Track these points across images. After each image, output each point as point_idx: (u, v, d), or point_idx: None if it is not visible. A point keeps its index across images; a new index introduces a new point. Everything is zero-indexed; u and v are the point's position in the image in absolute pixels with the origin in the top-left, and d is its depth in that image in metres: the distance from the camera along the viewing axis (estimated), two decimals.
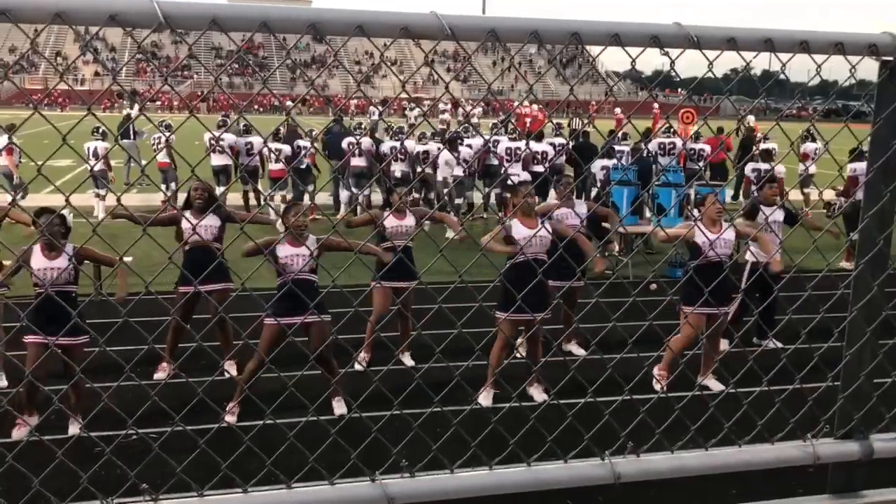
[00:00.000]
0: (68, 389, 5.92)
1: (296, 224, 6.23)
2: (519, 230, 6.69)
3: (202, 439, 2.10)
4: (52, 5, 1.67)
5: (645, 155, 14.23)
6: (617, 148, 15.47)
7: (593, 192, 14.45)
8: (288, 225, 6.24)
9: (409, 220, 7.56)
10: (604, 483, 2.12)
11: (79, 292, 6.13)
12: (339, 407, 6.54)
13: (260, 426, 2.33)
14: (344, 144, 16.27)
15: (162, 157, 16.12)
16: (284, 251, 6.29)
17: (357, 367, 7.42)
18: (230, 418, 6.07)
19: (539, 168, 15.67)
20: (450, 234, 15.05)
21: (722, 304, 6.82)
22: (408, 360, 7.73)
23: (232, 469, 2.11)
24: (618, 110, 29.38)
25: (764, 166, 14.64)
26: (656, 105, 37.62)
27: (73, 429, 6.03)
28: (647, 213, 13.99)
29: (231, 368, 7.28)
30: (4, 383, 7.05)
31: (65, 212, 6.09)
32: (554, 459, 2.15)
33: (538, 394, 6.88)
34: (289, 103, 43.12)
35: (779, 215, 8.21)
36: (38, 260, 5.83)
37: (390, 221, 7.43)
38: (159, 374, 7.06)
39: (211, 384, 7.19)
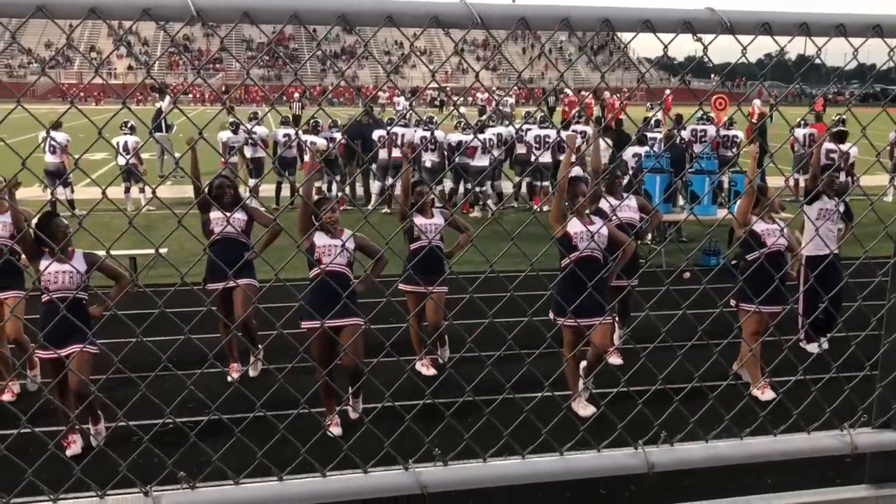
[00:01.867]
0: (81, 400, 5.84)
1: (327, 220, 6.19)
2: (574, 226, 6.33)
3: (238, 428, 2.13)
4: (87, 1, 1.70)
5: (678, 142, 14.09)
6: (649, 135, 15.34)
7: (625, 181, 14.35)
8: (320, 221, 6.20)
9: (438, 220, 7.42)
10: (637, 472, 2.11)
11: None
12: (353, 413, 6.41)
13: (294, 415, 2.35)
14: (375, 136, 16.29)
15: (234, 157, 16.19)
16: (321, 241, 6.18)
17: (425, 371, 7.32)
18: (335, 429, 5.90)
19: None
20: (473, 214, 15.10)
21: (778, 303, 6.35)
22: (444, 355, 7.69)
23: (267, 457, 2.14)
24: (607, 94, 28.82)
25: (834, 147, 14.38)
26: (667, 91, 37.15)
27: (93, 440, 5.95)
28: (681, 201, 13.86)
29: (252, 370, 7.28)
30: (37, 383, 7.06)
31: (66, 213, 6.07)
32: (587, 449, 2.15)
33: (583, 409, 6.33)
34: (296, 94, 43.03)
35: (840, 205, 7.73)
36: (45, 264, 5.69)
37: (418, 220, 7.24)
38: (234, 375, 7.08)
39: (245, 374, 7.29)
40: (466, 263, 10.47)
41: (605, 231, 6.43)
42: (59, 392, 5.78)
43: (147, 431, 2.52)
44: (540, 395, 2.58)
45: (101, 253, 6.36)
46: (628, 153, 13.33)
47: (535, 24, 1.87)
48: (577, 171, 9.14)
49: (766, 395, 6.46)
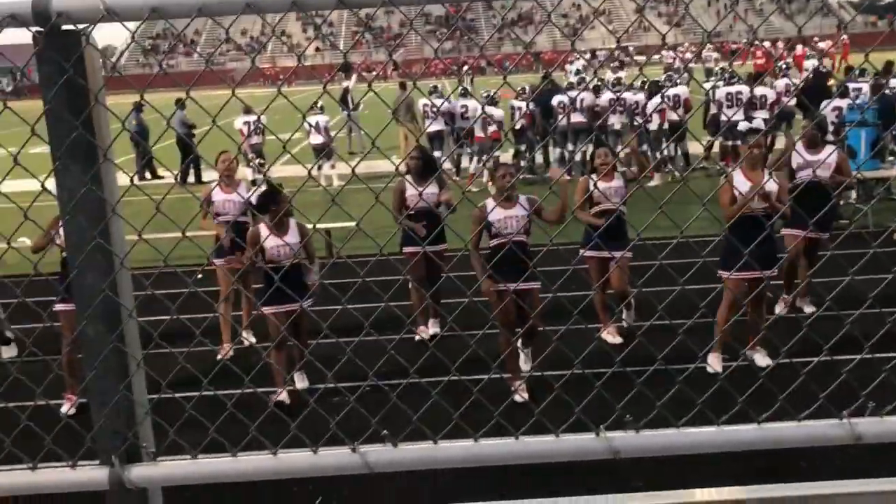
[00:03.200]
0: (295, 349, 6.56)
1: (502, 186, 6.31)
2: (741, 183, 6.34)
3: (434, 391, 2.24)
4: None
5: (888, 92, 12.94)
6: (853, 86, 14.20)
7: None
8: (497, 186, 6.37)
9: (618, 183, 7.25)
10: (841, 444, 2.02)
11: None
12: (524, 363, 6.67)
13: (485, 381, 2.44)
14: (554, 102, 16.17)
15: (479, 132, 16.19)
16: (496, 215, 6.30)
17: (611, 339, 7.31)
18: (523, 395, 6.06)
19: (761, 114, 14.74)
20: (653, 182, 14.64)
21: None
22: (630, 318, 7.63)
23: (463, 419, 2.23)
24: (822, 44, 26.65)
25: None
26: (844, 37, 34.10)
27: (301, 383, 6.62)
28: (890, 157, 12.76)
29: (434, 327, 7.68)
30: (253, 339, 7.86)
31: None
32: (786, 419, 2.08)
33: (761, 359, 6.47)
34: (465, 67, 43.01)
35: None
36: (269, 240, 6.37)
37: (600, 184, 7.13)
38: (424, 335, 7.51)
39: (432, 338, 7.57)
40: (653, 229, 10.13)
41: (773, 188, 6.35)
42: (276, 350, 6.53)
43: (351, 392, 2.71)
44: (735, 364, 2.51)
45: (309, 226, 6.95)
46: (828, 108, 12.41)
47: None
48: (758, 123, 8.71)
49: None
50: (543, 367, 6.59)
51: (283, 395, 6.44)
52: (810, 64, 27.49)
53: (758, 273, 6.21)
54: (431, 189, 7.47)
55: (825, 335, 2.48)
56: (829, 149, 7.58)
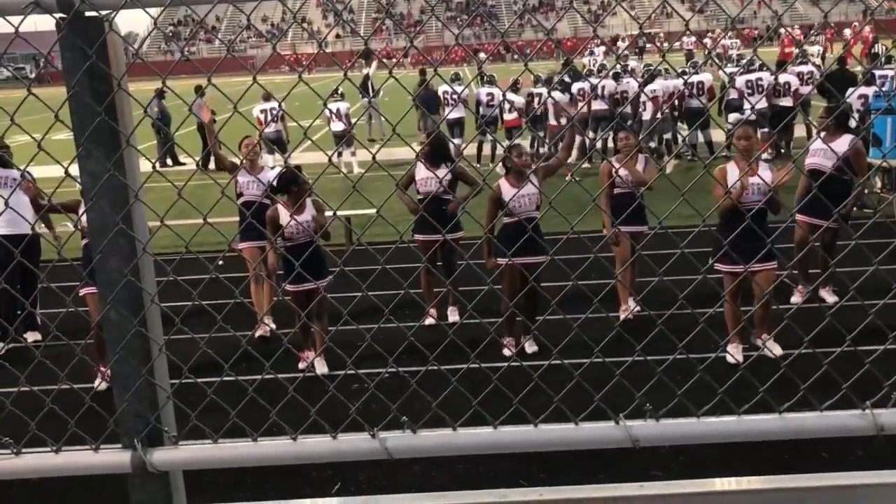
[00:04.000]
0: (315, 330, 6.72)
1: (519, 166, 6.64)
2: (734, 174, 6.33)
3: (454, 378, 2.24)
4: None
5: None
6: (879, 73, 14.00)
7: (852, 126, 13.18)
8: (509, 166, 6.65)
9: (639, 167, 7.34)
10: (864, 434, 2.00)
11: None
12: (530, 346, 6.79)
13: (504, 368, 2.43)
14: (574, 89, 16.05)
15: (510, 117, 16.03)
16: (510, 195, 6.57)
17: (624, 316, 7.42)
18: (507, 352, 6.51)
19: (785, 101, 14.57)
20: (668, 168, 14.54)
21: None
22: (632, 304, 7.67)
23: (482, 406, 2.24)
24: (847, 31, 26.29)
25: None
26: (856, 23, 33.69)
27: (321, 368, 6.69)
28: None
29: (453, 315, 7.72)
30: (273, 326, 7.89)
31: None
32: (808, 409, 2.06)
33: (772, 346, 6.39)
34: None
35: None
36: (286, 218, 6.56)
37: (621, 170, 7.21)
38: (429, 320, 7.54)
39: (439, 323, 7.58)
40: (674, 217, 10.05)
41: (761, 181, 6.21)
42: (301, 327, 6.81)
43: (370, 378, 2.72)
44: (755, 354, 2.49)
45: (329, 213, 7.03)
46: (854, 95, 12.24)
47: None
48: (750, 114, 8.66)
49: None
50: (562, 354, 6.59)
51: (303, 364, 6.78)
52: (815, 50, 27.19)
53: (756, 266, 6.07)
54: (445, 174, 7.50)
55: (848, 325, 2.45)
56: (845, 138, 7.45)
